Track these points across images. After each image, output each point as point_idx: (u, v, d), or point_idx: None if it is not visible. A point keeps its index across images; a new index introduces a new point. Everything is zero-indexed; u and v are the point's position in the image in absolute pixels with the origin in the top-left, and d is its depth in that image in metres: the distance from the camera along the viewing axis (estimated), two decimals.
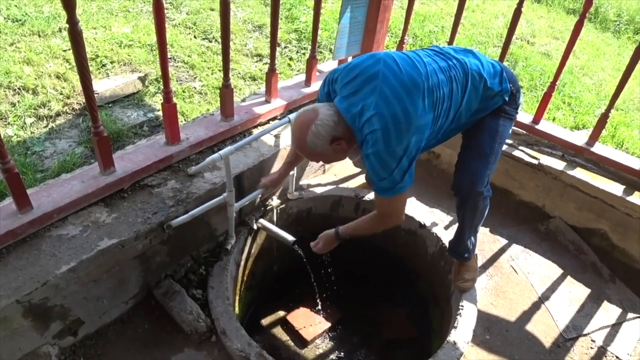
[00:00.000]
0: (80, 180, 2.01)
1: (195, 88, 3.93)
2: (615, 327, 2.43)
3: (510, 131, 2.10)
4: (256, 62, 4.46)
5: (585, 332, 2.38)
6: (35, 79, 3.70)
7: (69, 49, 1.65)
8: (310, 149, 1.78)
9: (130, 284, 2.06)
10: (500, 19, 6.50)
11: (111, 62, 4.00)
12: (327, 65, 3.28)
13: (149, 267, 2.08)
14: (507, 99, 1.96)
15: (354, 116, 1.71)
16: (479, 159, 2.01)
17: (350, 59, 2.95)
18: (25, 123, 3.36)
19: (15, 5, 4.66)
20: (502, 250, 2.73)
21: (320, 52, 4.74)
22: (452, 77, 1.83)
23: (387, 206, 1.89)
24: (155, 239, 2.02)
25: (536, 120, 2.95)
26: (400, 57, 1.78)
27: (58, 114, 3.49)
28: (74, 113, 3.51)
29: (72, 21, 1.61)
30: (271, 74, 2.60)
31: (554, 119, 4.31)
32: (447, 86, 1.80)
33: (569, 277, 2.65)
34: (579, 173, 2.77)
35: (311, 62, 2.85)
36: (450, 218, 2.84)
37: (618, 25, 7.79)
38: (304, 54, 4.65)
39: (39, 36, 4.24)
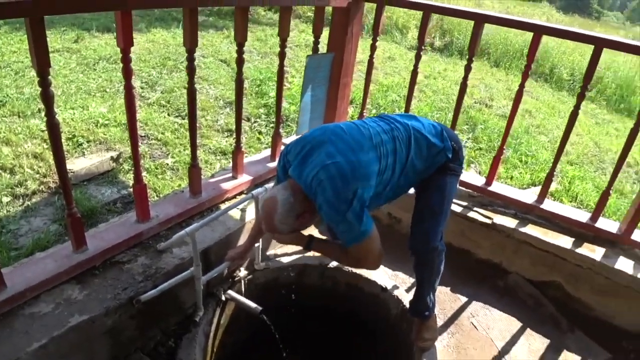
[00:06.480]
0: (53, 259, 2.11)
1: (167, 164, 4.08)
2: None
3: (458, 190, 2.28)
4: (227, 137, 4.66)
5: None
6: (13, 158, 3.82)
7: None
8: (283, 232, 1.99)
9: (100, 359, 2.12)
10: None
11: (87, 141, 4.15)
12: (292, 139, 3.46)
13: (118, 341, 2.14)
14: (450, 156, 2.14)
15: (306, 180, 1.87)
16: (431, 218, 2.18)
17: None
18: (1, 202, 3.46)
19: None
20: (463, 308, 2.84)
21: (289, 125, 4.98)
22: (395, 137, 2.02)
23: (357, 253, 1.98)
24: (125, 314, 2.10)
25: (488, 182, 3.14)
26: (346, 125, 2.01)
27: (34, 193, 3.60)
28: (49, 191, 3.62)
29: (50, 114, 1.80)
30: (237, 152, 2.79)
31: (511, 178, 4.55)
32: (391, 144, 1.99)
33: (528, 329, 2.74)
34: (531, 229, 2.94)
35: (275, 139, 3.05)
36: (412, 280, 2.96)
37: (572, 83, 8.28)
38: (272, 127, 4.87)
39: (19, 117, 4.40)
